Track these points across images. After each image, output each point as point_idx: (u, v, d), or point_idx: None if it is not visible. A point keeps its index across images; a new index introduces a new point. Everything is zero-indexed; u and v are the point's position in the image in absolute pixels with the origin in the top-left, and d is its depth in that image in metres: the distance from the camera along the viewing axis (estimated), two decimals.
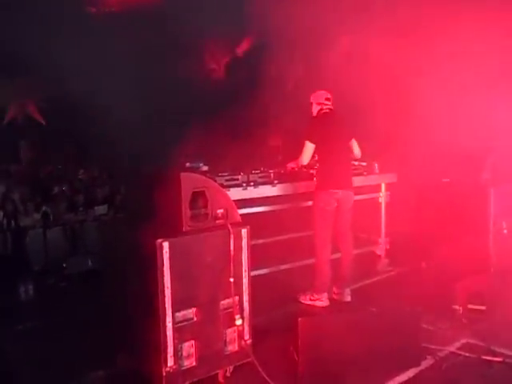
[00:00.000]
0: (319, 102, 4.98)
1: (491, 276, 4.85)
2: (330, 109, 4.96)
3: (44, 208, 6.42)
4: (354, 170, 5.45)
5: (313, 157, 4.87)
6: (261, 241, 6.12)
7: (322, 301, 4.84)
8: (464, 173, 5.42)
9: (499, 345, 3.86)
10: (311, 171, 5.20)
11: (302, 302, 4.92)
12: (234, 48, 10.73)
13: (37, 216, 6.34)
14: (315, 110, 5.00)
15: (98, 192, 7.43)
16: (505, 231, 5.25)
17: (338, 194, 4.77)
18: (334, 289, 5.02)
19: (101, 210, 6.78)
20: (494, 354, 3.74)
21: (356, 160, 5.33)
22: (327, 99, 4.99)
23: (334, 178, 4.76)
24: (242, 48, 11.34)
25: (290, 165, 5.16)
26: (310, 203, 5.05)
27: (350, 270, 5.02)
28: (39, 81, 8.17)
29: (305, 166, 5.06)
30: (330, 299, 4.94)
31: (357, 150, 5.07)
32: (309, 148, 4.79)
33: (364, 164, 5.82)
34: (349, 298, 4.97)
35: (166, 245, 3.18)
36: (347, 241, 4.99)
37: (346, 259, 5.00)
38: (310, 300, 4.90)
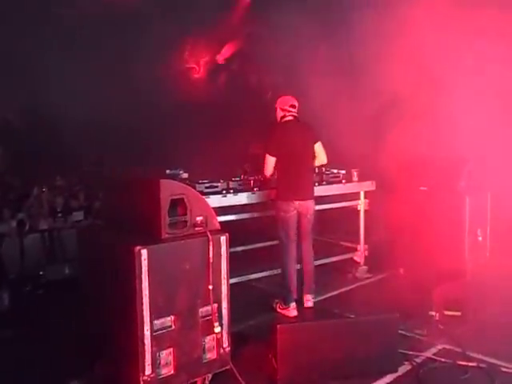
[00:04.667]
0: (283, 107, 4.87)
1: (467, 283, 4.94)
2: (293, 116, 4.86)
3: (20, 215, 6.30)
4: (315, 179, 5.33)
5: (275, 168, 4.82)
6: (240, 248, 6.14)
7: (289, 310, 4.79)
8: (441, 181, 5.51)
9: (474, 350, 3.93)
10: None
11: (277, 310, 4.89)
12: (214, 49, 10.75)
13: (13, 223, 6.21)
14: (278, 115, 4.91)
15: (76, 198, 7.31)
16: (479, 238, 5.36)
17: (295, 204, 4.75)
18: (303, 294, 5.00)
19: (78, 216, 6.69)
20: (469, 359, 3.80)
21: (323, 165, 5.25)
22: (292, 106, 4.86)
23: (292, 190, 4.73)
24: (224, 55, 11.40)
25: None
26: None
27: (312, 275, 4.96)
28: (13, 87, 8.03)
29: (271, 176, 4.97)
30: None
31: (322, 155, 4.92)
32: (270, 161, 4.77)
33: (343, 172, 5.88)
34: (310, 304, 4.91)
35: (144, 252, 3.15)
36: (306, 247, 4.95)
37: (306, 265, 4.97)
38: (280, 309, 4.87)
